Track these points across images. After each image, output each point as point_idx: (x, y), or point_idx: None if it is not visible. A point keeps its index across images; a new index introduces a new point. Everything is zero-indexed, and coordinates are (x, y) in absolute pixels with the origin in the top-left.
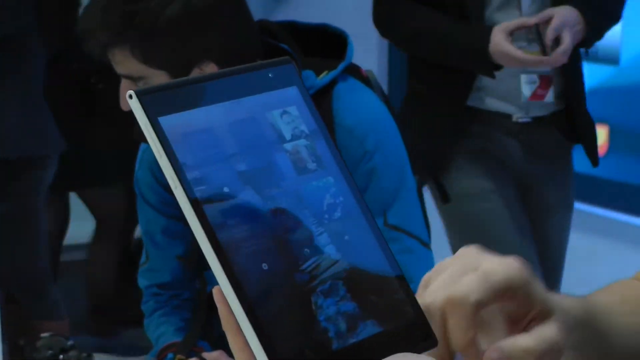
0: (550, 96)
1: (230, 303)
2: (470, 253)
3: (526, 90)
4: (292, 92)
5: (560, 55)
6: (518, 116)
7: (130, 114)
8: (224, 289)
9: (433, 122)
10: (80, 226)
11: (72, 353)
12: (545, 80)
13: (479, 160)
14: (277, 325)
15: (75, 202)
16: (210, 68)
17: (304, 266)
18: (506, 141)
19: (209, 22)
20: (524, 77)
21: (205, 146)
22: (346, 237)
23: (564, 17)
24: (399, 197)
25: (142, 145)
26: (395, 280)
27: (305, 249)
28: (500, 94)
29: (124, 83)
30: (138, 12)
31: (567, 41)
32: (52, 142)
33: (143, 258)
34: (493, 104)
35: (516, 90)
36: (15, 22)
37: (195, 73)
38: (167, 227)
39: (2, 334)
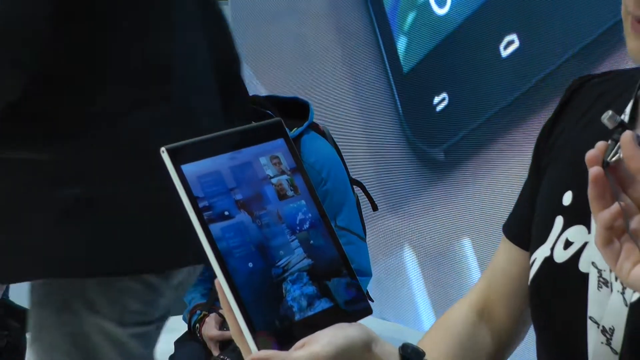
0: None
1: (224, 291)
2: None
3: None
4: (280, 142)
5: None
6: None
7: None
8: (220, 282)
9: None
10: None
11: None
12: None
13: None
14: (255, 305)
15: None
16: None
17: (279, 263)
18: None
19: None
20: None
21: (212, 184)
22: (311, 242)
23: None
24: (344, 208)
25: None
26: (343, 267)
27: (281, 251)
28: None
29: None
30: None
31: None
32: None
33: None
34: None
35: None
36: None
37: None
38: None
39: None
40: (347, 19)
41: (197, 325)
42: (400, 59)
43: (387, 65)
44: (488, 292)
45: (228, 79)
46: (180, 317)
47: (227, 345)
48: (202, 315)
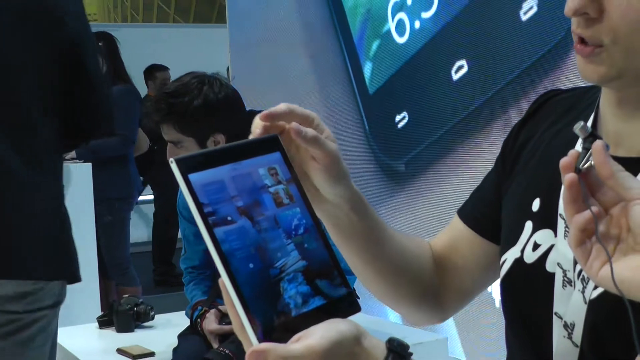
0: None
1: (227, 288)
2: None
3: None
4: (277, 155)
5: None
6: None
7: None
8: (224, 280)
9: None
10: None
11: (141, 307)
12: None
13: None
14: (255, 301)
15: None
16: (219, 137)
17: (277, 264)
18: None
19: (218, 110)
20: None
21: (216, 192)
22: (305, 245)
23: None
24: None
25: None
26: (334, 268)
27: (278, 254)
28: None
29: (169, 145)
30: (176, 104)
31: None
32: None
33: (183, 251)
34: None
35: None
36: None
37: (210, 141)
38: (195, 232)
39: (101, 297)
40: (320, 47)
41: (199, 320)
42: (367, 82)
43: (355, 87)
44: (444, 254)
45: None
46: (183, 312)
47: (225, 338)
48: (203, 311)
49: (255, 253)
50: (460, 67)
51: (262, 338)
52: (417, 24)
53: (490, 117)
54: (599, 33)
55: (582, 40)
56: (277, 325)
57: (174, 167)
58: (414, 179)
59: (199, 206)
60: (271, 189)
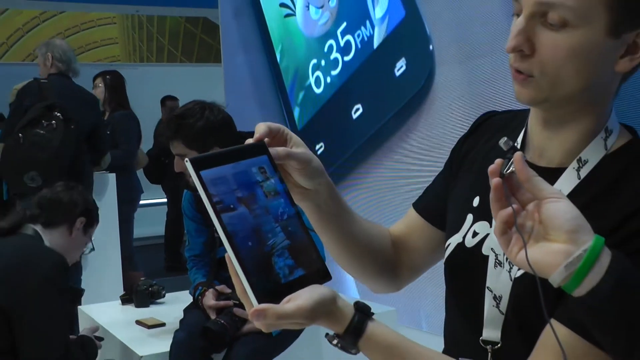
0: None
1: (232, 261)
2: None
3: None
4: (265, 157)
5: None
6: None
7: (181, 173)
8: (230, 255)
9: None
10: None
11: (155, 287)
12: None
13: None
14: (254, 272)
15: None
16: (216, 150)
17: (269, 243)
18: None
19: (216, 130)
20: None
21: (221, 185)
22: (289, 228)
23: None
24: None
25: (185, 191)
26: (310, 246)
27: (269, 234)
28: None
29: (176, 158)
30: (183, 125)
31: None
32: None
33: (187, 243)
34: None
35: None
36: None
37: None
38: (196, 228)
39: (123, 280)
40: (267, 96)
41: (199, 297)
42: (296, 121)
43: (288, 125)
44: (401, 239)
45: None
46: (187, 291)
47: (221, 311)
48: (203, 290)
49: (252, 234)
50: (357, 109)
51: (260, 300)
52: (328, 79)
53: (379, 144)
54: (531, 66)
55: (518, 71)
56: (271, 290)
57: (188, 165)
58: None
59: (209, 196)
60: (262, 184)
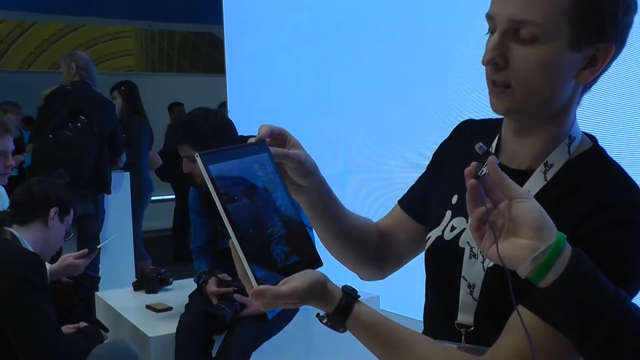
0: None
1: (235, 246)
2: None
3: None
4: (265, 154)
5: None
6: None
7: (188, 173)
8: (234, 241)
9: None
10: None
11: (163, 275)
12: None
13: None
14: (255, 256)
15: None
16: None
17: (268, 231)
18: None
19: (220, 133)
20: None
21: (227, 179)
22: (285, 219)
23: None
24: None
25: (191, 189)
26: (304, 235)
27: (268, 224)
28: None
29: (184, 159)
30: (190, 129)
31: None
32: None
33: (192, 235)
34: None
35: None
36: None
37: None
38: (201, 222)
39: (136, 268)
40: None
41: (203, 284)
42: None
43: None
44: (387, 232)
45: None
46: (192, 279)
47: (222, 297)
48: (206, 278)
49: (253, 223)
50: None
51: (259, 282)
52: None
53: None
54: (506, 77)
55: (494, 83)
56: (270, 274)
57: (198, 160)
58: None
59: (217, 188)
60: (262, 179)
